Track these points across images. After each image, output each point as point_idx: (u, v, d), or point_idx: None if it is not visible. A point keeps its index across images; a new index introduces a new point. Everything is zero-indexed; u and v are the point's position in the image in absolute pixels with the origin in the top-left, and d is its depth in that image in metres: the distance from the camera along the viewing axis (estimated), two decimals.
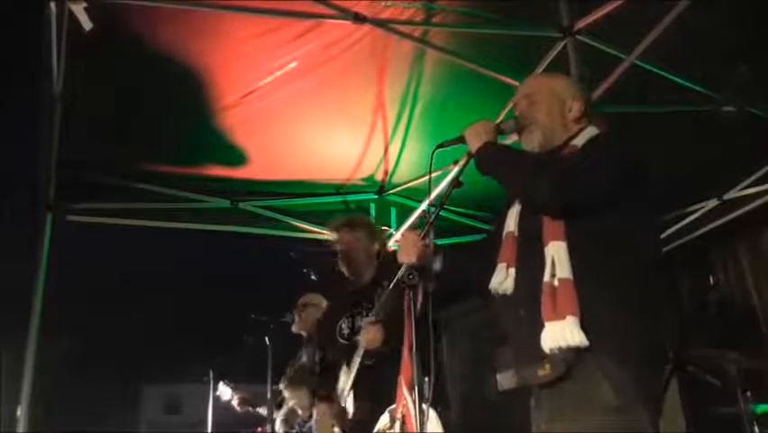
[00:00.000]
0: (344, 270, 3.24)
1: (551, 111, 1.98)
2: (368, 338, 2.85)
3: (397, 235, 5.23)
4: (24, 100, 3.76)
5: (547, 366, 1.65)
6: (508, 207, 1.98)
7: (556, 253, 1.68)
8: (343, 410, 3.05)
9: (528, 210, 1.87)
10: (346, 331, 3.21)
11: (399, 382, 2.50)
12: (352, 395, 2.99)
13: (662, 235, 5.07)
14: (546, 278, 1.68)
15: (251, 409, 4.89)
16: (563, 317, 1.60)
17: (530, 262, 1.77)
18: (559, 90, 2.02)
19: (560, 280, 1.65)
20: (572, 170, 1.75)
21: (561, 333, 1.60)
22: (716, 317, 5.14)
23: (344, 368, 3.06)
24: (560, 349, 1.60)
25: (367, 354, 2.90)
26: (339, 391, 3.07)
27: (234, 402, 4.85)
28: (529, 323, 1.70)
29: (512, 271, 1.85)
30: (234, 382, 4.97)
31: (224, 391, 4.86)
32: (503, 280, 1.85)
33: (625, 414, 1.57)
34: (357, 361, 2.94)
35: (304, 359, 4.38)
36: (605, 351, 1.60)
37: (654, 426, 1.61)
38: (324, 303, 4.47)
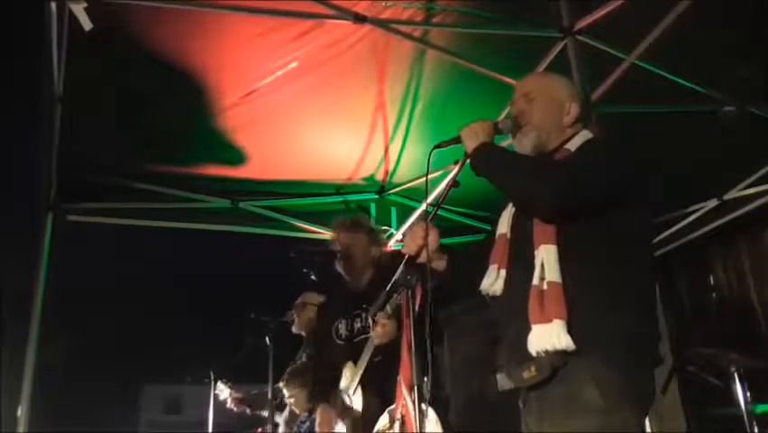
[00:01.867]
0: (342, 271, 3.23)
1: (548, 111, 1.96)
2: (380, 333, 2.83)
3: (398, 235, 5.24)
4: (25, 100, 3.76)
5: (533, 369, 1.66)
6: (504, 208, 1.98)
7: (546, 257, 1.69)
8: (344, 404, 3.05)
9: (522, 213, 1.88)
10: (344, 333, 3.20)
11: (399, 382, 2.50)
12: (360, 391, 2.99)
13: (663, 235, 5.08)
14: (535, 281, 1.69)
15: (247, 409, 4.89)
16: (550, 321, 1.61)
17: (521, 265, 1.78)
18: (557, 91, 2.01)
19: (548, 283, 1.66)
20: (569, 174, 1.75)
21: (547, 336, 1.60)
22: (716, 317, 5.15)
23: (350, 365, 3.06)
24: (546, 352, 1.61)
25: (378, 349, 2.89)
26: (343, 388, 3.07)
27: (229, 402, 4.85)
28: (518, 325, 1.70)
29: (503, 272, 1.86)
30: (234, 383, 4.98)
31: (222, 390, 4.87)
32: (493, 281, 1.87)
33: (610, 416, 1.58)
34: (366, 357, 2.93)
35: (303, 359, 4.39)
36: (592, 353, 1.61)
37: (641, 427, 1.61)
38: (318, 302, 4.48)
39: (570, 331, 1.59)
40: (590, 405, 1.58)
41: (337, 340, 3.21)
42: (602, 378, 1.59)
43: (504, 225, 1.92)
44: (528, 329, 1.64)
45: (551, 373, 1.63)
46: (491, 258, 1.90)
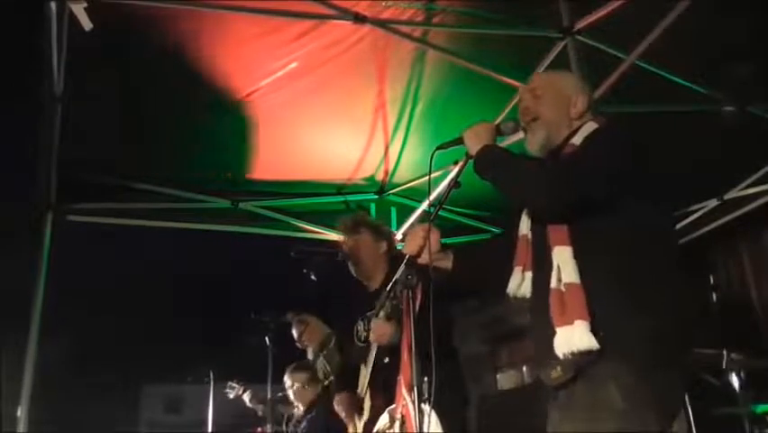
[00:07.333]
0: (355, 273, 3.20)
1: (555, 106, 1.96)
2: (378, 334, 2.85)
3: (398, 235, 5.23)
4: (25, 100, 3.76)
5: (558, 369, 1.67)
6: (520, 208, 1.98)
7: (561, 258, 1.69)
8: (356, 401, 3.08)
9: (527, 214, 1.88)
10: (363, 334, 3.19)
11: (399, 382, 2.50)
12: (368, 393, 2.99)
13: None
14: (553, 283, 1.69)
15: (260, 406, 4.90)
16: (572, 322, 1.61)
17: (542, 267, 1.78)
18: (563, 85, 2.01)
19: (566, 285, 1.66)
20: (567, 174, 1.74)
21: (571, 338, 1.60)
22: (716, 316, 5.14)
23: (362, 368, 3.07)
24: (572, 354, 1.61)
25: (381, 350, 2.90)
26: (359, 390, 3.08)
27: (246, 398, 4.85)
28: (543, 327, 1.71)
29: (528, 274, 1.87)
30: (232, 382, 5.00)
31: (234, 388, 4.89)
32: (520, 283, 1.88)
33: (632, 417, 1.57)
34: (372, 358, 2.94)
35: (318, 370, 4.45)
36: (614, 353, 1.60)
37: (663, 428, 1.60)
38: (317, 320, 4.55)
39: (593, 331, 1.59)
40: (612, 406, 1.58)
41: (357, 342, 3.19)
42: (624, 378, 1.58)
43: (524, 227, 1.92)
44: (553, 332, 1.65)
45: (575, 373, 1.64)
46: (516, 260, 1.91)
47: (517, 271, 1.89)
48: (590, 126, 1.88)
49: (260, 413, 4.98)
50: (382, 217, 5.14)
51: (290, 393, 4.42)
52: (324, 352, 4.43)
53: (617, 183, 1.71)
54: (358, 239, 3.18)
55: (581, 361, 1.61)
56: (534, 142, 1.97)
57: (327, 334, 4.51)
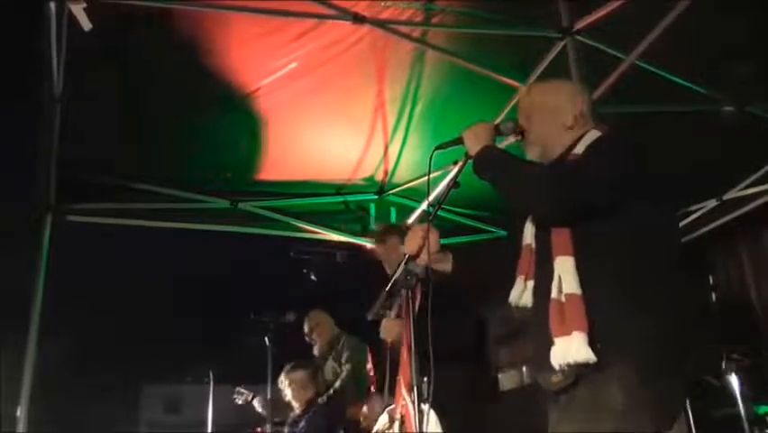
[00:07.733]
0: (390, 275, 3.29)
1: (545, 122, 1.96)
2: (384, 330, 2.99)
3: None
4: (24, 101, 3.76)
5: (559, 374, 1.67)
6: (524, 216, 1.97)
7: (562, 268, 1.69)
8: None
9: (523, 217, 1.88)
10: None
11: (398, 381, 2.51)
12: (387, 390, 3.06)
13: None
14: (554, 294, 1.69)
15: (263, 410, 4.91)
16: (570, 333, 1.61)
17: (544, 276, 1.78)
18: (553, 98, 2.00)
19: (566, 295, 1.65)
20: (569, 177, 1.74)
21: (567, 349, 1.60)
22: (716, 316, 5.14)
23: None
24: (568, 365, 1.61)
25: (392, 349, 2.96)
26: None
27: (257, 404, 4.86)
28: (542, 335, 1.71)
29: (530, 283, 1.87)
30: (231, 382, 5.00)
31: (243, 394, 4.89)
32: (521, 292, 1.88)
33: (630, 418, 1.57)
34: (386, 356, 3.01)
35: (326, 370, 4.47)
36: (616, 357, 1.60)
37: (658, 429, 1.59)
38: (329, 317, 4.59)
39: (593, 340, 1.58)
40: (611, 406, 1.58)
41: None
42: (625, 381, 1.58)
43: (528, 236, 1.92)
44: (551, 341, 1.65)
45: (575, 378, 1.64)
46: (518, 269, 1.91)
47: (520, 280, 1.89)
48: (593, 135, 1.87)
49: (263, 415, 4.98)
50: (382, 218, 5.15)
51: (288, 393, 4.43)
52: (333, 352, 4.46)
53: (619, 191, 1.71)
54: (387, 245, 3.36)
55: (581, 368, 1.61)
56: (532, 156, 1.98)
57: (336, 334, 4.54)
